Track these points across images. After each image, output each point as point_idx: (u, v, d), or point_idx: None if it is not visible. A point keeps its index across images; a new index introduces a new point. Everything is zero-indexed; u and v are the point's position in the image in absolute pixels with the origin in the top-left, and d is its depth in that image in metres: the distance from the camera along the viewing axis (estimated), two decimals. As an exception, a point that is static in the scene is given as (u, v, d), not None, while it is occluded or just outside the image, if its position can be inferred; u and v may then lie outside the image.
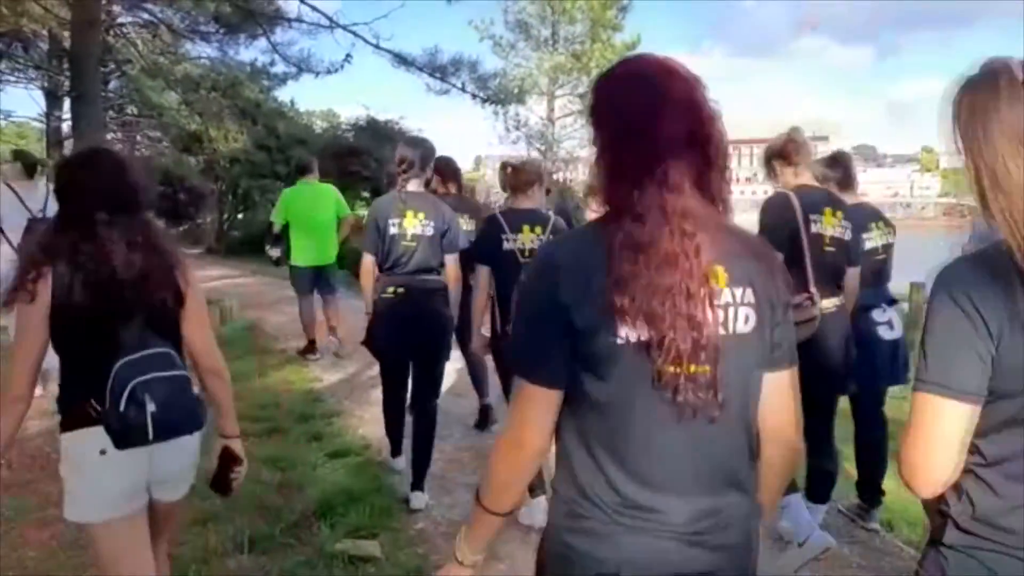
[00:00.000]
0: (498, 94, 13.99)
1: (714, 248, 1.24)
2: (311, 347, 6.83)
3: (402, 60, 13.34)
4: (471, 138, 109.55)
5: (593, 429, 1.27)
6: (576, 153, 26.90)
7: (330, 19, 14.24)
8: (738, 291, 1.27)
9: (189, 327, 2.11)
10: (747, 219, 1.59)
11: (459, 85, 13.53)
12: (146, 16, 22.88)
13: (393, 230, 3.73)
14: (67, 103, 18.43)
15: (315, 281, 6.74)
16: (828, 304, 3.15)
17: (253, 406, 5.30)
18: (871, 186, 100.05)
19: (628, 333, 1.20)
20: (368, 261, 3.86)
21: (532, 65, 24.94)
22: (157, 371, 1.91)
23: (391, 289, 3.79)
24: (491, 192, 17.09)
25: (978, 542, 1.24)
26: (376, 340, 3.90)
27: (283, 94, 25.79)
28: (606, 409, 1.25)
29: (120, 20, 21.29)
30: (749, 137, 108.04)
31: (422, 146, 3.89)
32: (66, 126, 19.59)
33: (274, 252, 7.07)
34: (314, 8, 13.88)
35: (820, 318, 3.05)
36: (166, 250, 2.07)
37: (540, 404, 1.29)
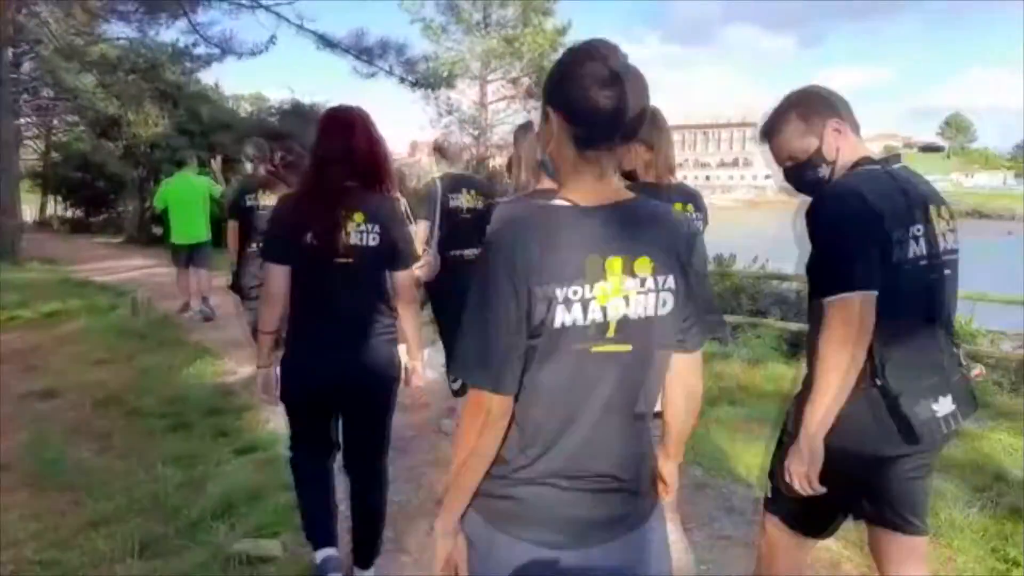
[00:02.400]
0: (427, 78, 13.80)
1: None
2: (185, 307, 8.42)
3: (327, 42, 13.05)
4: (403, 124, 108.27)
5: None
6: (509, 139, 26.87)
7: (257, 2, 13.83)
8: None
9: None
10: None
11: (386, 68, 13.32)
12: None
13: None
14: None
15: (189, 257, 8.19)
16: None
17: (161, 401, 5.11)
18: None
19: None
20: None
21: (464, 49, 24.70)
22: None
23: None
24: (422, 178, 16.97)
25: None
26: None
27: (207, 77, 25.01)
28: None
29: (31, -2, 20.15)
30: (697, 123, 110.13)
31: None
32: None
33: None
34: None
35: None
36: None
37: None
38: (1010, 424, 5.06)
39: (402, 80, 13.47)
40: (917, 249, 1.84)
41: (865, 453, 1.89)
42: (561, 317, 1.29)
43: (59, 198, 31.12)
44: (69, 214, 29.96)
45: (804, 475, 1.87)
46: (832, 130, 1.95)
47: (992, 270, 9.65)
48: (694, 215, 2.61)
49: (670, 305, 1.36)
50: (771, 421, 5.26)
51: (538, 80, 25.41)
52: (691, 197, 2.69)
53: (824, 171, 1.98)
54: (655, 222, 1.39)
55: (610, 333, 1.32)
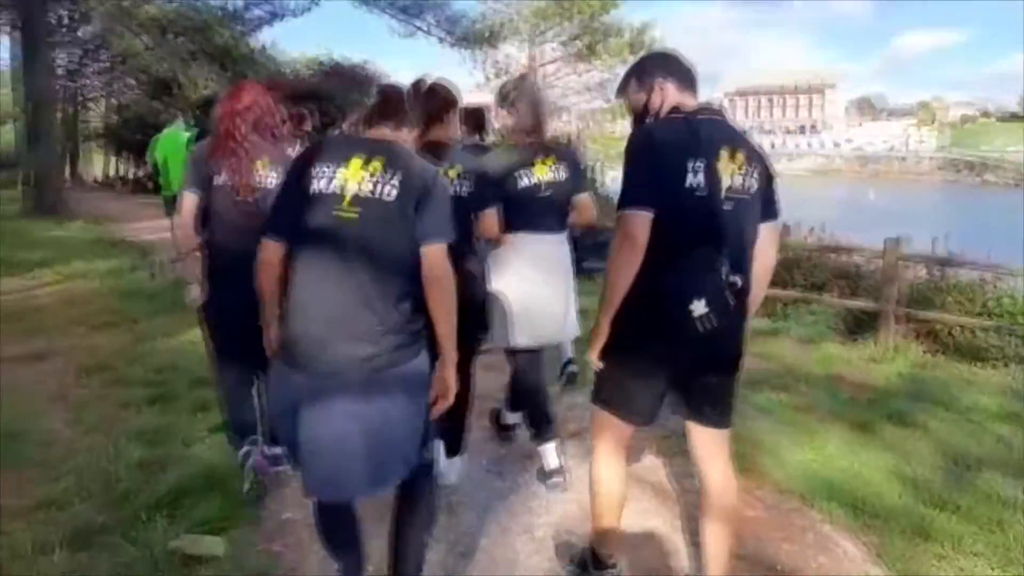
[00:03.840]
0: (467, 36, 13.23)
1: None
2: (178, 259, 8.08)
3: (364, 0, 12.61)
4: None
5: None
6: (561, 102, 26.11)
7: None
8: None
9: None
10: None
11: (425, 27, 12.82)
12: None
13: None
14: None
15: None
16: None
17: (150, 369, 4.84)
18: (868, 139, 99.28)
19: None
20: None
21: (512, 11, 23.94)
22: None
23: None
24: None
25: None
26: None
27: (258, 40, 24.91)
28: None
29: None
30: (763, 88, 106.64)
31: None
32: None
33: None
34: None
35: None
36: None
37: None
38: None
39: (441, 40, 12.96)
40: (694, 181, 2.19)
41: (665, 345, 2.28)
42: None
43: (123, 158, 31.68)
44: (131, 174, 30.54)
45: (594, 354, 2.38)
46: (657, 88, 2.36)
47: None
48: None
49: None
50: (823, 412, 4.71)
51: (591, 43, 24.58)
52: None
53: (650, 120, 2.38)
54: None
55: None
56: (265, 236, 2.16)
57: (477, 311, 3.07)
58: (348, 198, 2.06)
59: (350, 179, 2.07)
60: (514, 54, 24.88)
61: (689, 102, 2.36)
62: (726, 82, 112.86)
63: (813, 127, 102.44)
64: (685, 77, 2.41)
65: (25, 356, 4.95)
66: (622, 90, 2.52)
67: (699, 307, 2.20)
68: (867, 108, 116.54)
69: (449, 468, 3.29)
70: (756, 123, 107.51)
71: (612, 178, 24.64)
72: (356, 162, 2.09)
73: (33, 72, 11.43)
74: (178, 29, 22.19)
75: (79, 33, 26.01)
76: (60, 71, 29.64)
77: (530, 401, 3.48)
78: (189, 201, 3.07)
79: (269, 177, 3.06)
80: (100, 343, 5.32)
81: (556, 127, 28.80)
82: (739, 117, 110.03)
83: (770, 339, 6.62)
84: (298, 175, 2.14)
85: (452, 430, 3.20)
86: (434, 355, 2.20)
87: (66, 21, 25.81)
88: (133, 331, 5.65)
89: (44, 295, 6.80)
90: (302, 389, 2.07)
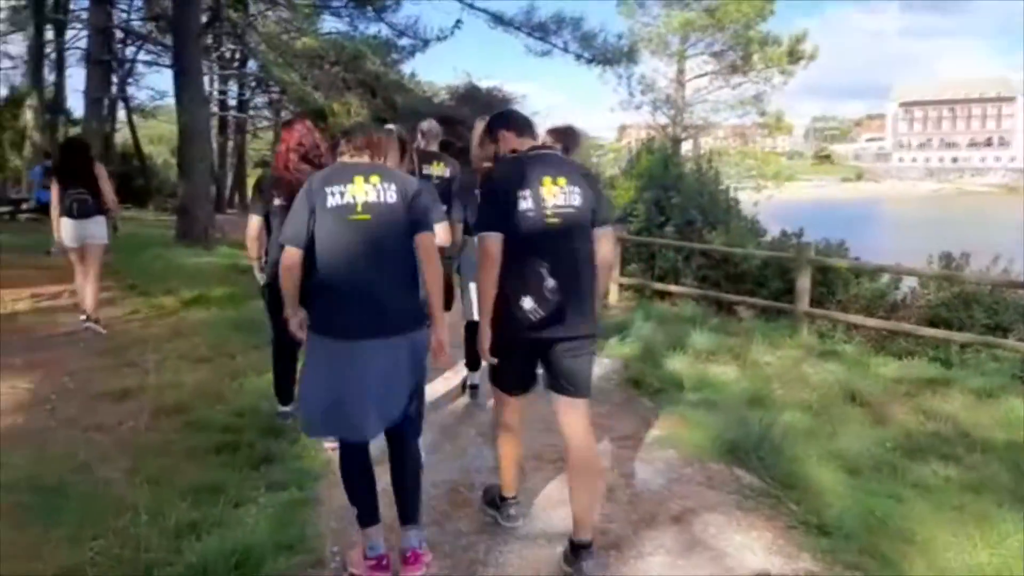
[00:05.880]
0: (604, 53, 12.63)
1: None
2: None
3: (498, 20, 12.34)
4: (589, 104, 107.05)
5: None
6: (710, 118, 24.86)
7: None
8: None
9: None
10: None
11: (561, 45, 12.37)
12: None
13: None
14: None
15: None
16: None
17: (228, 412, 4.59)
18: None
19: None
20: None
21: (659, 24, 23.03)
22: None
23: None
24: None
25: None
26: None
27: (405, 67, 25.54)
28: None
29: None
30: (943, 98, 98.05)
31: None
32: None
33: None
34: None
35: None
36: None
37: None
38: None
39: (578, 57, 12.44)
40: (526, 206, 2.85)
41: (517, 335, 2.88)
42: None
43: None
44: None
45: (483, 351, 2.97)
46: (501, 138, 3.16)
47: None
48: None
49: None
50: (1004, 492, 3.71)
51: (745, 54, 23.22)
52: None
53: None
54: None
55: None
56: (287, 245, 2.81)
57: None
58: (359, 206, 2.77)
59: (357, 192, 2.78)
60: (662, 68, 24.00)
61: (527, 143, 3.09)
62: (900, 92, 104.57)
63: (1001, 140, 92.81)
64: (522, 126, 3.18)
65: (110, 394, 4.84)
66: (480, 144, 3.52)
67: (528, 303, 2.81)
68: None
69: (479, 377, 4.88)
70: (936, 135, 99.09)
71: (767, 196, 23.10)
72: (359, 179, 2.81)
73: (184, 104, 12.00)
74: (332, 59, 23.14)
75: (246, 68, 27.96)
76: (232, 102, 32.15)
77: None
78: (255, 222, 4.21)
79: None
80: (190, 380, 5.15)
81: (706, 143, 27.53)
82: (916, 128, 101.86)
83: (939, 391, 5.51)
84: (310, 193, 2.80)
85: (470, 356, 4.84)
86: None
87: (237, 56, 27.98)
88: (228, 367, 5.47)
89: (159, 324, 6.84)
90: (334, 352, 2.77)
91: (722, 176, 11.79)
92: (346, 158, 2.94)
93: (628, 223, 10.24)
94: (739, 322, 8.14)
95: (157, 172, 31.78)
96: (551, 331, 2.83)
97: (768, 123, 25.40)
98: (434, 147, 5.20)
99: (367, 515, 2.89)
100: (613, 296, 9.17)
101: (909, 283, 8.72)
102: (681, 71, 23.92)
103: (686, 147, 23.98)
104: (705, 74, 24.16)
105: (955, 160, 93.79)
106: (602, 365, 6.02)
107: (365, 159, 2.91)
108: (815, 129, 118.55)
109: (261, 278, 4.31)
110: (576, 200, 2.90)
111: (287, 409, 4.43)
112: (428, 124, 5.29)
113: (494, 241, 2.83)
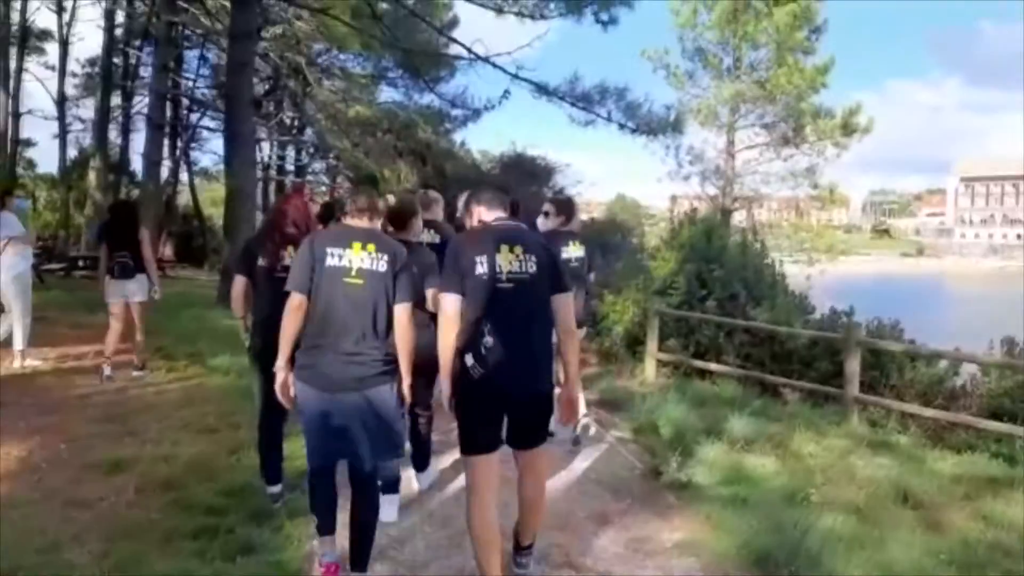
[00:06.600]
0: (648, 123, 12.47)
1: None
2: None
3: (543, 90, 12.35)
4: (636, 177, 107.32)
5: None
6: (761, 190, 24.43)
7: (477, 55, 13.51)
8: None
9: None
10: None
11: (604, 114, 12.27)
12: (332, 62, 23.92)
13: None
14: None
15: None
16: None
17: (218, 491, 4.30)
18: None
19: None
20: None
21: (709, 95, 22.94)
22: None
23: None
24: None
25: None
26: None
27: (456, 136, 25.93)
28: None
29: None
30: (1006, 174, 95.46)
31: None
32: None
33: None
34: (456, 42, 13.31)
35: None
36: None
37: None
38: None
39: (621, 126, 12.31)
40: (481, 270, 3.07)
41: (471, 392, 3.07)
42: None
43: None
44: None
45: (446, 405, 3.17)
46: (473, 211, 3.38)
47: None
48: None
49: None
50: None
51: (796, 126, 22.91)
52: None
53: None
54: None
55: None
56: (294, 291, 3.18)
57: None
58: (355, 270, 3.16)
59: (354, 258, 3.17)
60: (711, 139, 23.79)
61: (495, 214, 3.30)
62: (961, 166, 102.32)
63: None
64: (493, 201, 3.36)
65: (100, 465, 4.63)
66: (464, 216, 3.62)
67: (469, 359, 3.01)
68: None
69: (422, 479, 4.57)
70: (999, 211, 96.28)
71: (820, 270, 22.43)
72: (356, 245, 3.19)
73: (235, 167, 12.21)
74: (385, 127, 23.64)
75: (304, 135, 28.85)
76: (290, 167, 33.12)
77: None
78: (239, 283, 4.22)
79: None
80: (187, 452, 4.91)
81: (759, 215, 27.03)
82: (977, 204, 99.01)
83: (1002, 492, 4.91)
84: (312, 251, 3.19)
85: (420, 451, 4.55)
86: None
87: (296, 123, 28.98)
88: (230, 440, 5.22)
89: (173, 390, 6.69)
90: (320, 401, 3.16)
91: (768, 249, 11.30)
92: (348, 219, 3.31)
93: (668, 296, 9.85)
94: (783, 405, 7.61)
95: (216, 233, 32.68)
96: (499, 388, 3.04)
97: (822, 196, 24.81)
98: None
99: (325, 526, 3.33)
100: (650, 372, 8.72)
101: (970, 368, 8.07)
102: (731, 142, 23.67)
103: (738, 218, 23.54)
104: (755, 145, 23.88)
105: (1019, 237, 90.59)
106: (627, 451, 5.60)
107: (364, 221, 3.29)
108: (873, 203, 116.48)
109: (246, 338, 4.31)
110: (531, 267, 3.13)
111: (276, 490, 4.16)
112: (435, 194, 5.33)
113: (451, 302, 3.07)
